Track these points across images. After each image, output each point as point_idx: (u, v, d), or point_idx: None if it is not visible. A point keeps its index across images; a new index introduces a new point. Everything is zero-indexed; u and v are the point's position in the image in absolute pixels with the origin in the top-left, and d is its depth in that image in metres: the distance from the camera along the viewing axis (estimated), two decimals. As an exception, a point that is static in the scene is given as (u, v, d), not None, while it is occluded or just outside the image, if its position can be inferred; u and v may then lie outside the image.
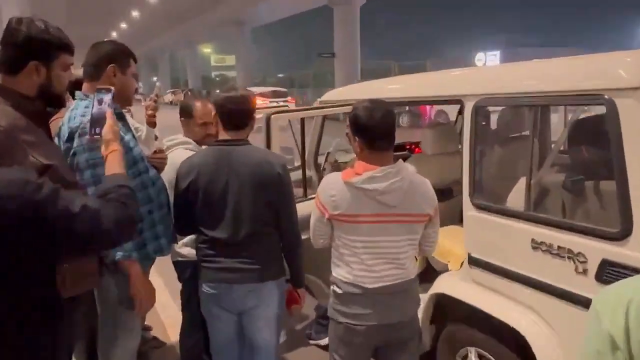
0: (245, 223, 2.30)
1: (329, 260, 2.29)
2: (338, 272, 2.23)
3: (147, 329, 3.80)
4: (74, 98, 2.24)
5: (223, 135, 2.35)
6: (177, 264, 2.95)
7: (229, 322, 2.44)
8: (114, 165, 1.73)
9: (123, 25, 48.71)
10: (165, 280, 2.93)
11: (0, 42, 1.87)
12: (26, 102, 1.85)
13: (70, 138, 2.04)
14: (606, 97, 1.96)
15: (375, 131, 2.10)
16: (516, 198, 2.47)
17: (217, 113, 2.35)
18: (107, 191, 1.57)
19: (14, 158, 1.70)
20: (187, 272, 2.87)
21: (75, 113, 2.11)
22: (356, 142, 2.13)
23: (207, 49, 76.19)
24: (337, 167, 4.03)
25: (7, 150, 1.70)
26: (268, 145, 2.89)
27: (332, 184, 2.15)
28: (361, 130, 2.11)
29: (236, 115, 2.33)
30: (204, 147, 2.78)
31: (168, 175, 2.48)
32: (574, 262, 2.10)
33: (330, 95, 3.84)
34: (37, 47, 1.84)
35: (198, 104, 2.95)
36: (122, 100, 2.22)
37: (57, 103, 1.98)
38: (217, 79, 68.59)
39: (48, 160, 1.79)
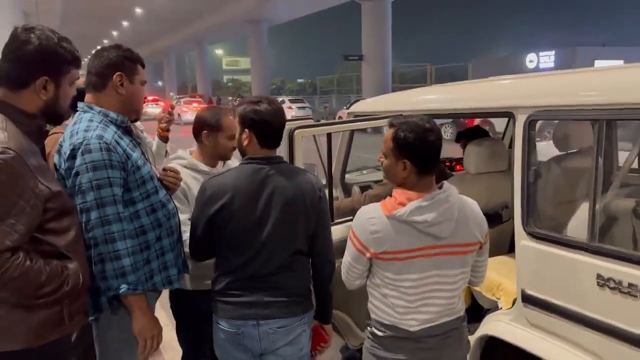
0: (281, 251, 2.36)
1: (359, 294, 2.25)
2: (379, 314, 2.25)
3: None
4: (75, 110, 2.29)
5: (256, 152, 2.38)
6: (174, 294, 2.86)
7: None
8: None
9: (125, 23, 49.56)
10: (170, 314, 2.94)
11: (2, 52, 1.91)
12: (27, 119, 1.91)
13: (73, 156, 2.07)
14: None
15: (429, 153, 2.12)
16: (578, 225, 2.44)
17: (253, 127, 2.35)
18: None
19: (26, 185, 1.78)
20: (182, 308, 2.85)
21: (77, 127, 2.15)
22: (403, 165, 2.14)
23: (218, 50, 77.71)
24: (366, 188, 4.08)
25: (20, 177, 1.76)
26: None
27: (372, 218, 2.15)
28: (413, 153, 2.11)
29: (278, 129, 2.40)
30: (198, 164, 2.82)
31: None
32: (648, 303, 2.04)
33: (361, 107, 3.87)
34: (49, 61, 1.91)
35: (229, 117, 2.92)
36: (131, 111, 2.31)
37: (58, 120, 2.05)
38: (230, 84, 70.33)
39: (55, 187, 1.87)
